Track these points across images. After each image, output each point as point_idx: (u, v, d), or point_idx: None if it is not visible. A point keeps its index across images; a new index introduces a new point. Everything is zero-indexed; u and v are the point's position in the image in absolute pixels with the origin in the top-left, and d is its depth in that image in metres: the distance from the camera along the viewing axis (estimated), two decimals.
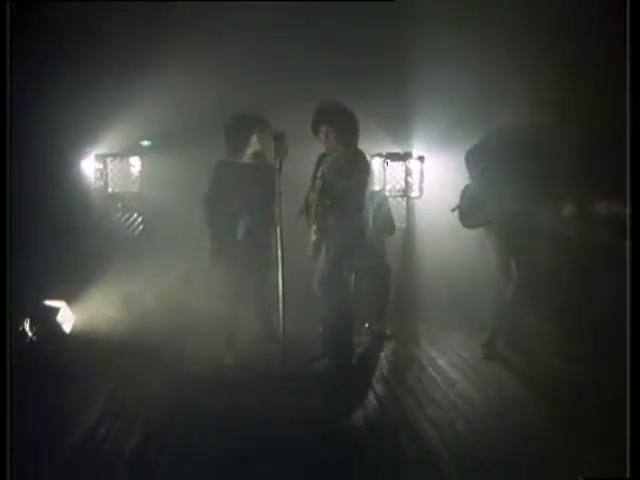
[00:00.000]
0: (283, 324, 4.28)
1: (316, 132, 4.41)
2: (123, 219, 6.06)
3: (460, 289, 5.36)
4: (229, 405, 3.77)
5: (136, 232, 6.04)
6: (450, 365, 4.50)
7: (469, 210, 4.61)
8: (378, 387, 4.12)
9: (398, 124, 6.03)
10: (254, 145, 4.55)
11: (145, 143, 6.15)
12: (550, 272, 4.50)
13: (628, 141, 2.88)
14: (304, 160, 4.52)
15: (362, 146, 4.66)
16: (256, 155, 4.56)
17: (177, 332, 4.97)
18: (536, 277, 4.43)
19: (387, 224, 5.46)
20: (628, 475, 2.54)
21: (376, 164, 6.10)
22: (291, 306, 4.34)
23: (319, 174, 4.38)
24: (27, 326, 4.53)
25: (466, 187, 4.70)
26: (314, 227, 4.36)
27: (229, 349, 4.60)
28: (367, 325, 5.33)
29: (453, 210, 4.72)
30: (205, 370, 4.38)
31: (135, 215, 6.08)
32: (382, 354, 4.85)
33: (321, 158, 4.46)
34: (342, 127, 4.35)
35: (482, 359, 4.54)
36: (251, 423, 3.49)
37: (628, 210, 2.87)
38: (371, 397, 3.94)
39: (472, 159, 4.59)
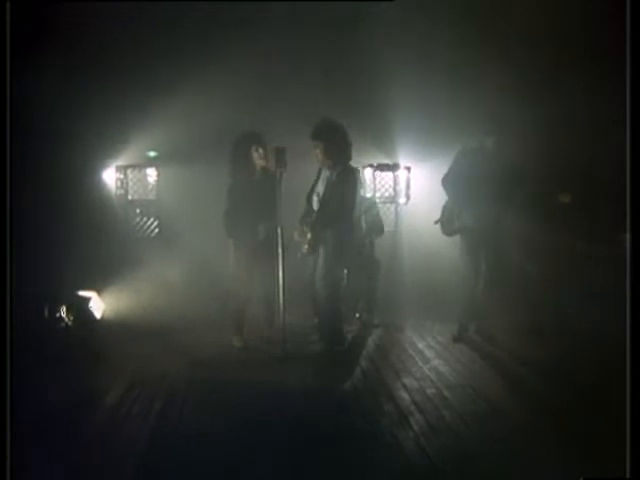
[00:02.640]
0: (283, 313, 4.87)
1: (313, 148, 4.90)
2: (142, 223, 6.71)
3: (440, 284, 5.97)
4: (237, 380, 4.41)
5: (153, 234, 6.68)
6: (427, 347, 5.18)
7: (448, 221, 5.36)
8: (364, 363, 4.82)
9: (388, 138, 6.69)
10: (255, 162, 5.11)
11: (152, 154, 6.77)
12: (513, 269, 5.20)
13: (628, 141, 2.95)
14: (302, 171, 5.12)
15: (356, 158, 5.23)
16: (262, 170, 5.15)
17: (192, 319, 5.63)
18: (501, 273, 5.14)
19: (377, 227, 6.08)
20: (628, 475, 2.60)
21: (368, 174, 6.76)
22: (291, 298, 4.94)
23: (316, 189, 4.94)
24: (63, 313, 5.18)
25: (446, 203, 5.42)
26: (309, 234, 4.89)
27: (238, 334, 5.24)
28: (358, 315, 5.98)
29: (436, 222, 5.46)
30: (217, 352, 5.03)
31: (152, 219, 6.71)
32: (370, 339, 5.51)
33: (319, 172, 4.99)
34: (331, 144, 4.81)
35: (453, 342, 5.23)
36: (256, 394, 4.09)
37: (628, 210, 2.93)
38: (357, 370, 4.64)
39: (447, 182, 5.33)
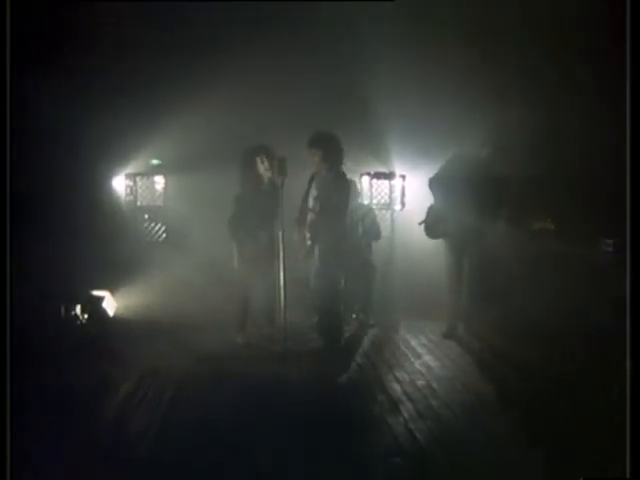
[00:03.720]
0: (284, 312, 5.19)
1: (309, 154, 5.31)
2: (150, 228, 7.06)
3: (433, 286, 6.20)
4: (240, 373, 4.73)
5: (160, 239, 7.03)
6: (419, 345, 5.52)
7: (433, 224, 5.68)
8: (360, 359, 5.16)
9: (384, 148, 6.99)
10: (261, 172, 5.45)
11: (155, 162, 7.14)
12: (493, 271, 5.54)
13: (628, 141, 2.97)
14: (301, 178, 5.45)
15: (354, 166, 5.66)
16: (267, 180, 5.49)
17: (198, 317, 5.96)
18: (482, 276, 5.48)
19: (373, 232, 6.39)
20: (628, 475, 2.60)
21: (365, 181, 7.08)
22: (292, 298, 5.26)
23: (311, 192, 5.31)
24: (78, 311, 5.51)
25: (431, 206, 5.74)
26: (307, 234, 5.29)
27: (241, 332, 5.57)
28: (355, 316, 6.28)
29: (420, 224, 5.78)
30: (222, 348, 5.36)
31: (160, 224, 7.06)
32: (366, 338, 5.84)
33: (312, 177, 5.37)
34: (328, 151, 5.25)
35: (443, 339, 5.59)
36: (257, 386, 4.41)
37: (628, 210, 2.96)
38: (353, 365, 4.98)
39: (435, 185, 5.67)
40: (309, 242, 5.28)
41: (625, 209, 2.99)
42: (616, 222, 4.84)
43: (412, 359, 5.08)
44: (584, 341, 4.81)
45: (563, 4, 6.15)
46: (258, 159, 5.46)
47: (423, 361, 5.02)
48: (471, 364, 4.94)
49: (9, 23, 3.18)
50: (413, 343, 5.57)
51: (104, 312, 5.73)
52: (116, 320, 5.87)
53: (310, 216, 5.27)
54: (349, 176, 5.51)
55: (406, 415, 3.88)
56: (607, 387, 3.73)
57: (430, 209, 5.71)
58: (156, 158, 7.13)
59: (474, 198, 5.28)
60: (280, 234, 5.20)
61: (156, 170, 7.14)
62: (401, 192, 7.04)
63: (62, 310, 5.50)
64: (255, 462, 3.28)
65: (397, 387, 4.40)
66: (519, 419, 3.83)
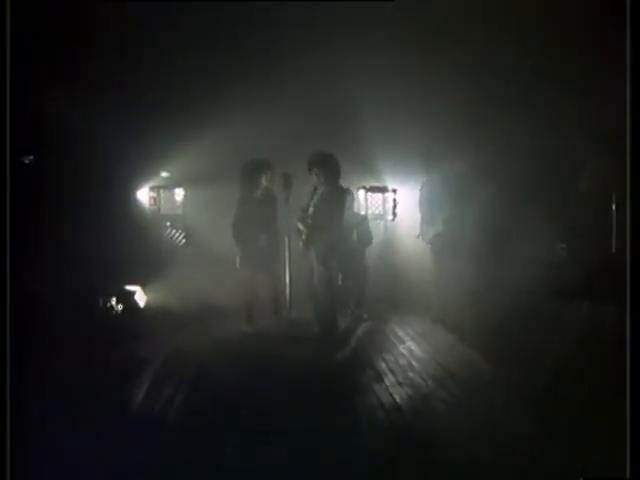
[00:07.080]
0: (289, 306, 6.14)
1: (310, 172, 6.16)
2: (171, 233, 7.97)
3: (418, 285, 7.15)
4: (251, 354, 5.63)
5: (181, 242, 7.94)
6: (405, 334, 6.40)
7: (425, 232, 6.80)
8: (353, 344, 6.08)
9: (378, 165, 7.88)
10: (264, 184, 6.34)
11: (164, 174, 8.04)
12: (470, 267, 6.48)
13: (628, 140, 3.03)
14: (303, 189, 6.36)
15: (351, 181, 6.54)
16: (266, 190, 6.40)
17: (212, 310, 6.89)
18: (461, 270, 6.44)
19: (367, 238, 7.30)
20: (628, 475, 2.60)
21: (361, 194, 7.96)
22: (295, 294, 6.22)
23: (312, 204, 6.16)
24: (114, 303, 6.43)
25: (421, 220, 6.84)
26: (304, 237, 6.15)
27: (248, 322, 6.50)
28: (350, 311, 7.17)
29: (418, 237, 6.89)
30: (231, 335, 6.31)
31: (180, 231, 7.95)
32: (359, 329, 6.74)
33: (314, 191, 6.21)
34: (326, 169, 6.07)
35: (431, 323, 6.62)
36: (262, 368, 5.19)
37: (628, 210, 3.02)
38: (347, 349, 5.90)
39: (420, 204, 6.82)
40: (309, 246, 6.14)
41: (626, 209, 3.07)
42: (570, 230, 5.78)
43: (397, 344, 5.98)
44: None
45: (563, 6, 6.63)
46: (263, 172, 6.32)
47: (406, 346, 5.92)
48: (446, 348, 5.81)
49: (9, 23, 3.23)
50: (400, 333, 6.44)
51: (136, 304, 6.62)
52: (146, 310, 6.77)
53: (311, 224, 6.11)
54: (348, 189, 6.33)
55: (388, 383, 4.78)
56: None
57: (422, 222, 6.88)
58: (168, 172, 8.03)
59: (450, 206, 6.45)
60: (286, 239, 6.16)
61: (176, 183, 8.06)
62: (393, 204, 7.81)
63: (100, 302, 6.41)
64: (261, 426, 3.96)
65: (383, 364, 5.31)
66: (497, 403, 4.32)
